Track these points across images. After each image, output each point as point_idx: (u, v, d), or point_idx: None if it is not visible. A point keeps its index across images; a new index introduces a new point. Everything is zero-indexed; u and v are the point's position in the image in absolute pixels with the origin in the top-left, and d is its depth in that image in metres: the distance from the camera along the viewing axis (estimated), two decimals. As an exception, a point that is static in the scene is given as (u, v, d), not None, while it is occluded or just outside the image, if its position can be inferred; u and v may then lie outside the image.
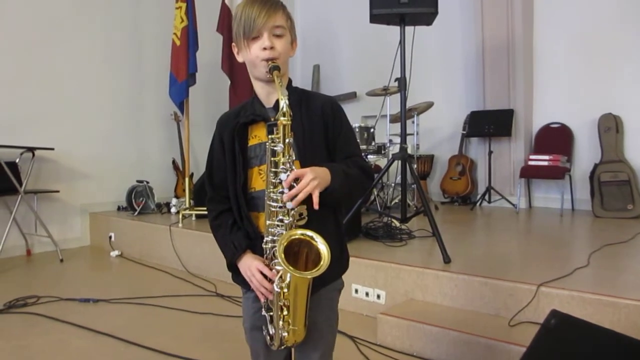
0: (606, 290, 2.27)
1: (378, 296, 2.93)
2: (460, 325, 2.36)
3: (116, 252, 4.79)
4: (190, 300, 3.37)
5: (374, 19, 3.42)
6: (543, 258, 3.14)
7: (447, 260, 2.87)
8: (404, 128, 3.54)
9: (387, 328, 2.54)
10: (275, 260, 1.24)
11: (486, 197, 5.53)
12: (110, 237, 4.97)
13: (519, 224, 4.56)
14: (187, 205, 4.83)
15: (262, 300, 1.32)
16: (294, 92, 1.38)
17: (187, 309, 3.17)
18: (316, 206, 1.20)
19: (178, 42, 4.73)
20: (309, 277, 1.19)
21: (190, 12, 4.72)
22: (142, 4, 5.80)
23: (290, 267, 1.17)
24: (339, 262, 1.41)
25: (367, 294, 2.97)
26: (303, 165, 1.29)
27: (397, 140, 4.65)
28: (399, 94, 3.62)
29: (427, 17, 3.39)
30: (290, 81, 1.42)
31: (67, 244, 5.03)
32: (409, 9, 3.28)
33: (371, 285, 2.96)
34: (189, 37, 4.71)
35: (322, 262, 1.19)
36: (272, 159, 1.24)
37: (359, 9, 4.69)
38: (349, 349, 2.51)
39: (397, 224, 3.79)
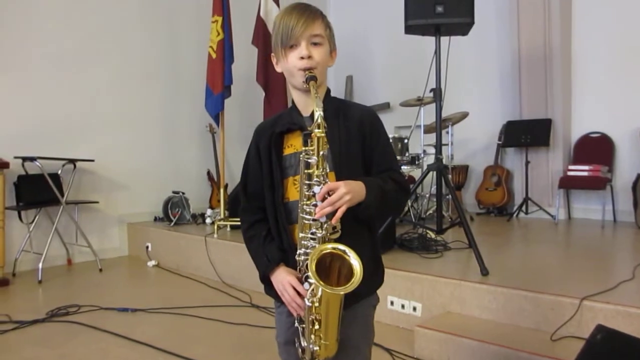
0: (654, 305, 2.20)
1: (414, 308, 2.89)
2: (500, 339, 2.31)
3: (153, 262, 4.87)
4: (226, 311, 3.40)
5: (409, 29, 3.41)
6: (585, 271, 3.06)
7: (484, 272, 2.82)
8: (439, 139, 3.51)
9: (424, 341, 2.51)
10: (307, 274, 1.22)
11: (523, 208, 5.42)
12: (147, 247, 5.06)
13: (558, 236, 4.45)
14: (222, 216, 4.88)
15: (295, 314, 1.31)
16: (331, 103, 1.37)
17: (222, 319, 3.19)
18: (334, 221, 1.19)
19: (214, 55, 4.81)
20: (340, 293, 1.16)
21: (227, 26, 4.80)
22: (178, 18, 5.93)
23: (322, 283, 1.14)
24: (374, 277, 1.38)
25: (402, 306, 2.93)
26: (338, 177, 1.27)
27: (431, 150, 4.63)
28: (433, 105, 3.59)
29: (463, 27, 3.36)
30: (328, 91, 1.40)
31: (106, 253, 5.14)
32: (445, 19, 3.26)
33: (407, 297, 2.93)
34: (225, 50, 4.78)
35: (354, 278, 1.16)
36: (306, 171, 1.22)
37: (392, 19, 4.69)
38: (386, 362, 2.48)
39: (433, 235, 3.74)
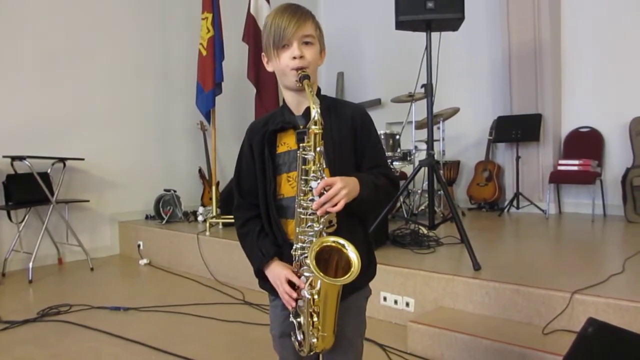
0: (644, 297, 2.21)
1: (407, 304, 2.90)
2: (492, 333, 2.32)
3: (145, 261, 4.85)
4: (219, 309, 3.39)
5: (400, 25, 3.41)
6: (576, 265, 3.08)
7: (477, 267, 2.83)
8: (431, 134, 3.51)
9: (417, 336, 2.51)
10: (305, 267, 1.25)
11: (514, 203, 5.45)
12: (138, 246, 5.04)
13: (549, 230, 4.48)
14: (214, 214, 4.86)
15: (290, 307, 1.32)
16: (323, 101, 1.39)
17: (215, 317, 3.18)
18: (336, 210, 1.21)
19: (204, 52, 4.78)
20: (339, 284, 1.19)
21: (217, 23, 4.76)
22: (169, 16, 5.89)
23: (321, 274, 1.17)
24: (368, 270, 1.42)
25: (395, 302, 2.94)
26: (332, 173, 1.30)
27: (423, 146, 4.64)
28: (424, 100, 3.59)
29: (453, 22, 3.37)
30: (319, 89, 1.43)
31: (97, 252, 5.11)
32: (436, 14, 3.27)
33: (400, 293, 2.93)
34: (215, 47, 4.75)
35: (352, 270, 1.19)
36: (303, 167, 1.25)
37: (383, 15, 4.70)
38: (380, 358, 2.49)
39: (425, 230, 3.75)
